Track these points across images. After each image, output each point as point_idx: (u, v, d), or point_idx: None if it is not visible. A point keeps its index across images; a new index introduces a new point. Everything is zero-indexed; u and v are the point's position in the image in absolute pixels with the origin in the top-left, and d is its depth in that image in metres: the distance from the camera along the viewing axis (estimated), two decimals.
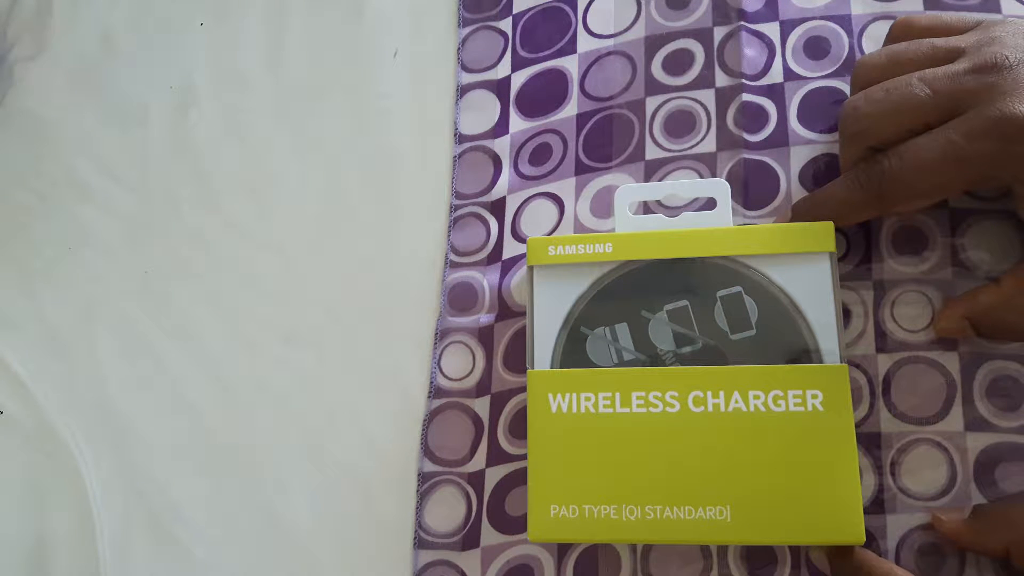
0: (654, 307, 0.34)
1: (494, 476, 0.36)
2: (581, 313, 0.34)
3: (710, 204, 0.37)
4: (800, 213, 0.34)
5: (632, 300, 0.34)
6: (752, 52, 0.38)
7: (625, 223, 0.36)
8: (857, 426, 0.33)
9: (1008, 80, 0.28)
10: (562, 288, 0.34)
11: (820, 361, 0.32)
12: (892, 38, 0.34)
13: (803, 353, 0.32)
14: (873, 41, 0.37)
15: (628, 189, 0.36)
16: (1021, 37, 0.30)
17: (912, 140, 0.30)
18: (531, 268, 0.35)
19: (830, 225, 0.33)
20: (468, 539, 0.36)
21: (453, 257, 0.40)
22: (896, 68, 0.32)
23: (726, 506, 0.31)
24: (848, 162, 0.32)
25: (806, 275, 0.33)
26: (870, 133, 0.31)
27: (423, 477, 0.37)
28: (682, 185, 0.36)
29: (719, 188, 0.35)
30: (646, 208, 0.37)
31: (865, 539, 0.30)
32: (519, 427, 0.36)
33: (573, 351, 0.34)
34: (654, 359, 0.33)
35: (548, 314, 0.34)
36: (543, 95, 0.41)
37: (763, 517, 0.31)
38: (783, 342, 0.32)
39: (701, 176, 0.37)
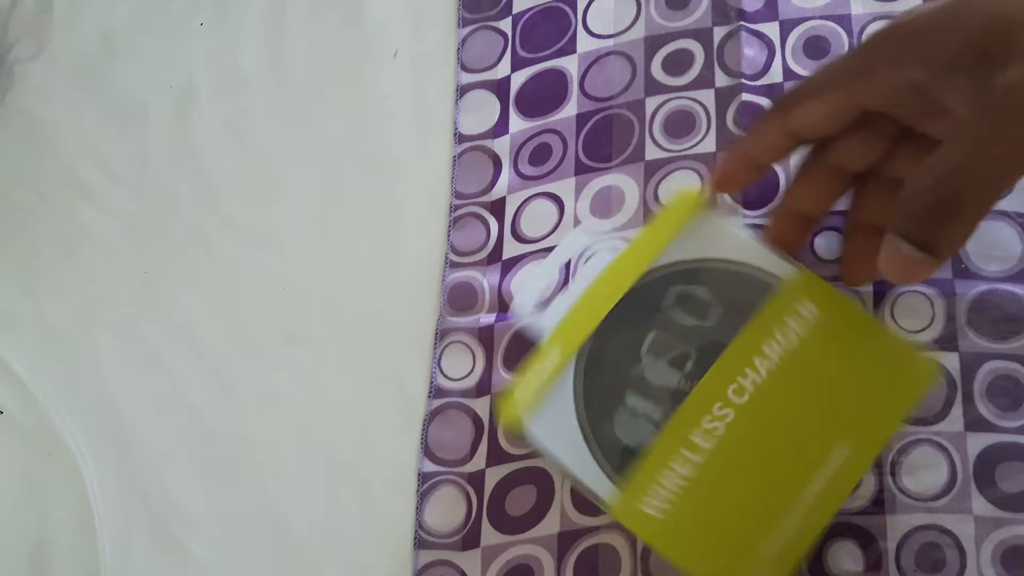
0: (634, 360, 0.33)
1: (494, 476, 0.36)
2: (589, 420, 0.33)
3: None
4: (728, 150, 0.34)
5: (613, 370, 0.33)
6: (752, 52, 0.38)
7: (544, 318, 0.35)
8: None
9: None
10: (556, 418, 0.33)
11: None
12: None
13: (770, 287, 0.32)
14: None
15: (525, 282, 0.36)
16: None
17: None
18: (520, 429, 0.33)
19: (691, 193, 0.33)
20: (468, 539, 0.36)
21: (453, 257, 0.40)
22: None
23: (838, 444, 0.31)
24: None
25: (708, 235, 0.33)
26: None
27: (423, 477, 0.37)
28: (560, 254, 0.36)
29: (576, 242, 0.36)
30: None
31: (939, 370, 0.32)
32: None
33: (612, 452, 0.32)
34: (676, 395, 0.32)
35: (566, 444, 0.32)
36: (543, 95, 0.41)
37: (865, 422, 0.31)
38: (748, 293, 0.32)
39: (701, 176, 0.37)
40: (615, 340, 0.33)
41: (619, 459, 0.32)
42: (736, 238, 0.33)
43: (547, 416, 0.32)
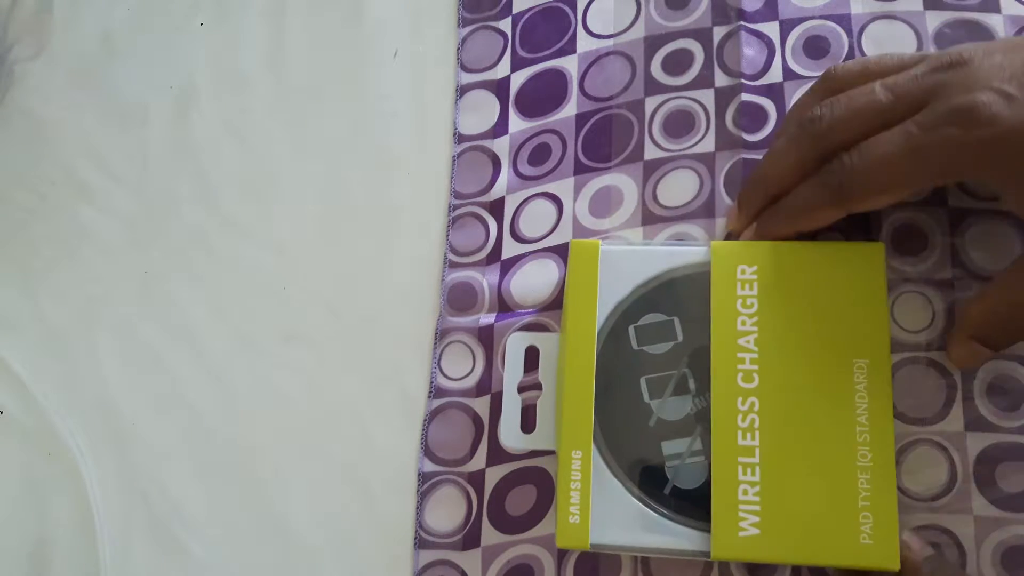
0: (646, 412, 0.33)
1: (494, 476, 0.36)
2: (648, 493, 0.32)
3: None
4: (767, 223, 0.34)
5: (636, 435, 0.33)
6: (751, 52, 0.38)
7: (540, 438, 0.35)
8: None
9: (964, 74, 0.29)
10: (619, 515, 0.32)
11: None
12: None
13: (703, 275, 0.34)
14: (873, 41, 0.37)
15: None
16: (978, 43, 0.30)
17: (873, 136, 0.30)
18: (589, 547, 0.32)
19: (586, 242, 0.35)
20: (468, 539, 0.36)
21: (452, 257, 0.40)
22: (866, 77, 0.32)
23: (855, 360, 0.31)
24: (800, 164, 0.32)
25: (622, 266, 0.34)
26: (830, 137, 0.31)
27: (423, 477, 0.37)
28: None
29: None
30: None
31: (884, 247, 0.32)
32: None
33: (684, 506, 0.32)
34: (700, 416, 0.32)
35: (642, 530, 0.32)
36: (542, 95, 0.41)
37: (861, 324, 0.32)
38: (691, 292, 0.33)
39: (700, 176, 0.37)
40: (618, 409, 0.33)
41: (695, 507, 0.32)
42: (645, 254, 0.34)
43: (610, 518, 0.32)
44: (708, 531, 0.31)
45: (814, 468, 0.31)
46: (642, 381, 0.33)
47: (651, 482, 0.32)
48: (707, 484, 0.31)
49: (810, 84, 0.37)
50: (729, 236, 0.36)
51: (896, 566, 0.29)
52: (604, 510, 0.32)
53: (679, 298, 0.33)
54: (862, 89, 0.31)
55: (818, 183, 0.31)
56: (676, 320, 0.33)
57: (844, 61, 0.34)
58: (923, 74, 0.30)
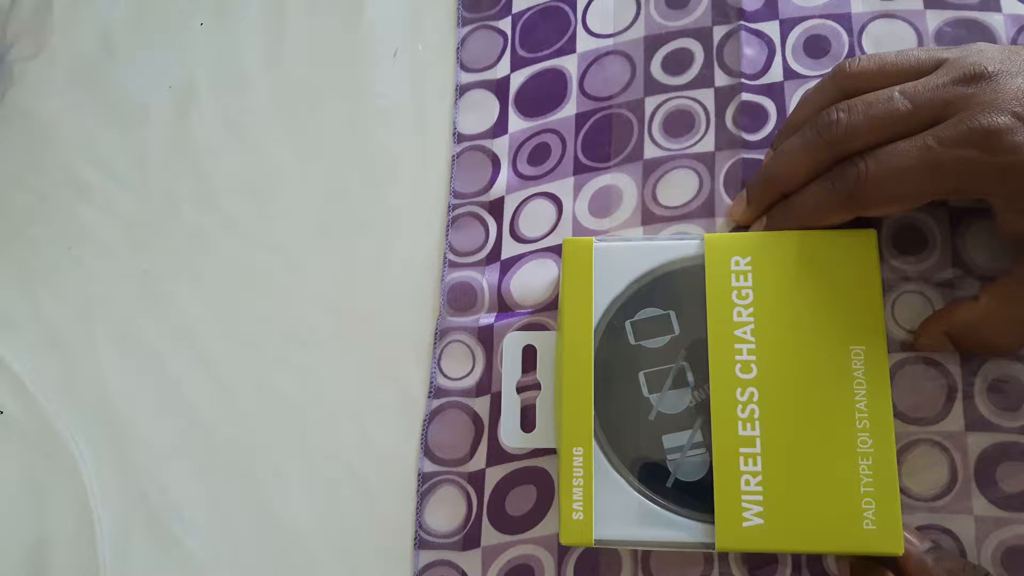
0: (645, 407, 0.33)
1: (494, 476, 0.36)
2: (650, 488, 0.32)
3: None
4: (777, 219, 0.34)
5: (636, 430, 0.33)
6: (751, 51, 0.38)
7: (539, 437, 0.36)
8: None
9: (987, 91, 0.28)
10: (622, 511, 0.32)
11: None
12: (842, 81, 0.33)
13: (697, 268, 0.34)
14: (873, 40, 0.37)
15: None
16: (1000, 51, 0.30)
17: (890, 144, 0.30)
18: (594, 543, 0.32)
19: (580, 240, 0.34)
20: (469, 539, 0.36)
21: (452, 257, 0.40)
22: (882, 78, 0.31)
23: (852, 346, 0.31)
24: (814, 166, 0.32)
25: (616, 262, 0.34)
26: (847, 143, 0.31)
27: (423, 477, 0.37)
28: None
29: None
30: None
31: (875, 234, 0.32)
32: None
33: (686, 498, 0.32)
34: (700, 408, 0.32)
35: (645, 525, 0.32)
36: (542, 95, 0.41)
37: (855, 311, 0.32)
38: (686, 285, 0.33)
39: (700, 175, 0.37)
40: (617, 404, 0.33)
41: (698, 499, 0.31)
42: (639, 249, 0.34)
43: (613, 514, 0.32)
44: (712, 523, 0.31)
45: (815, 456, 0.31)
46: (640, 376, 0.33)
47: (653, 476, 0.32)
48: (709, 476, 0.31)
49: (811, 83, 0.37)
50: (735, 229, 0.36)
51: (900, 551, 0.29)
52: (607, 505, 0.32)
53: (674, 292, 0.33)
54: (880, 95, 0.31)
55: (831, 186, 0.31)
56: (672, 314, 0.33)
57: (855, 57, 0.33)
58: (944, 84, 0.29)
